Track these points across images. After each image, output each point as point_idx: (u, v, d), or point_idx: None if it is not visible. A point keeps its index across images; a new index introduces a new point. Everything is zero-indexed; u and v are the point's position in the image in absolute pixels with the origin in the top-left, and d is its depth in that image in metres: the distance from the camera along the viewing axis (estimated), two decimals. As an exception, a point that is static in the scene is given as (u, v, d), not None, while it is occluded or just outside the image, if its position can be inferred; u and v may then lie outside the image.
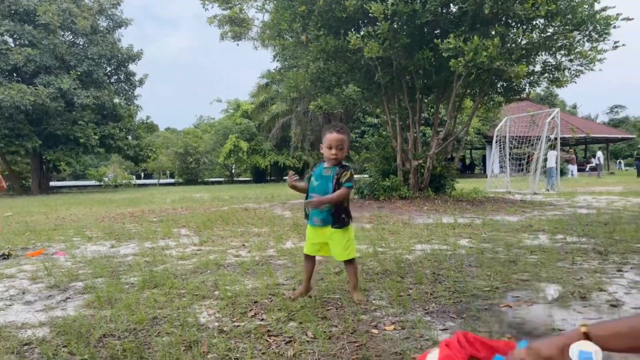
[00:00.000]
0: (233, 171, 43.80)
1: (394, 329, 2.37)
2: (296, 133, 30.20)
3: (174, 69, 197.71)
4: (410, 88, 10.52)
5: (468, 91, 10.87)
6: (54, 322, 2.57)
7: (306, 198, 2.87)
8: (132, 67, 27.76)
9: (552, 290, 2.89)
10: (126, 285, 3.40)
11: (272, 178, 39.69)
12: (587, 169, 32.17)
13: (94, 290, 3.14)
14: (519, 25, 8.79)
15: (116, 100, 26.44)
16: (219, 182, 39.81)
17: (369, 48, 8.25)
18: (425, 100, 11.57)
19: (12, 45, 22.97)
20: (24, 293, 3.32)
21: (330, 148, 2.80)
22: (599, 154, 27.56)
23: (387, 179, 10.70)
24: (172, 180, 46.42)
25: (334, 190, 2.80)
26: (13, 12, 22.54)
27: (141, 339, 2.28)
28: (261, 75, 33.49)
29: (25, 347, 2.22)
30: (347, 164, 2.88)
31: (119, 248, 5.25)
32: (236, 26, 22.36)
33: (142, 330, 2.40)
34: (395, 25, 8.62)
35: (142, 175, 57.14)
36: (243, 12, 21.68)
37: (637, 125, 53.59)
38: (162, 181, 46.86)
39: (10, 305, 3.02)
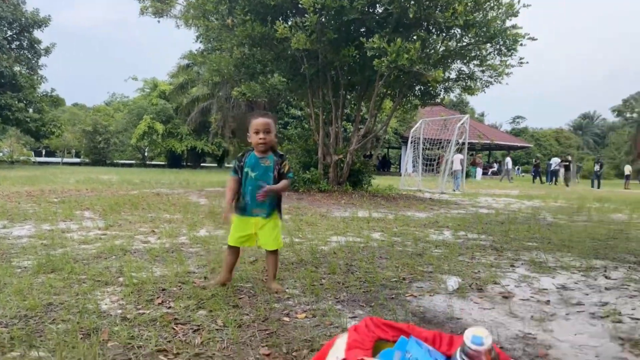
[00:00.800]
0: (146, 154, 41.62)
1: (306, 317, 2.40)
2: (216, 119, 29.33)
3: (86, 41, 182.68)
4: (335, 83, 10.68)
5: (388, 91, 11.27)
6: None
7: (244, 193, 2.78)
8: (37, 33, 25.26)
9: (452, 282, 3.09)
10: (18, 269, 3.09)
11: (189, 164, 38.31)
12: (489, 173, 34.92)
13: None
14: (438, 32, 9.28)
15: (16, 69, 23.94)
16: (130, 165, 37.62)
17: (296, 39, 8.24)
18: (349, 97, 11.83)
19: None
20: None
21: (257, 133, 2.75)
22: (508, 159, 29.80)
23: (307, 172, 10.80)
24: (77, 160, 43.02)
25: (274, 180, 2.78)
26: None
27: (33, 326, 2.09)
28: (182, 55, 32.01)
29: None
30: (282, 153, 2.88)
31: (11, 229, 4.77)
32: (158, 2, 21.19)
33: (34, 317, 2.20)
34: (323, 19, 8.68)
35: (44, 153, 52.39)
36: (166, -13, 20.61)
37: (535, 136, 59.22)
38: (66, 160, 43.30)
39: None
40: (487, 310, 2.64)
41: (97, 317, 2.23)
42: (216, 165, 41.96)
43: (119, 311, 2.35)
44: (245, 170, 2.80)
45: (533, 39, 9.22)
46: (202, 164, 39.99)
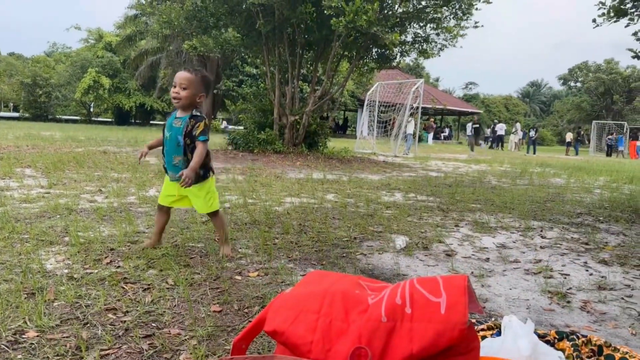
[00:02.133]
0: (91, 110, 39.53)
1: (258, 275, 2.44)
2: (166, 73, 28.09)
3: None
4: (292, 42, 10.45)
5: (346, 53, 11.18)
6: None
7: (163, 151, 2.66)
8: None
9: (400, 241, 3.22)
10: (-49, 229, 2.93)
11: (137, 121, 36.84)
12: (441, 138, 35.85)
13: None
14: (396, -7, 9.21)
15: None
16: (74, 121, 35.70)
17: (252, -7, 7.93)
18: (305, 56, 11.63)
19: None
20: None
21: (174, 86, 2.53)
22: (518, 125, 29.99)
23: (262, 132, 10.68)
24: (15, 115, 40.30)
25: (185, 144, 2.55)
26: None
27: (-30, 287, 2.00)
28: (130, 5, 30.08)
29: None
30: (199, 114, 2.61)
31: (-59, 187, 4.47)
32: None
33: (-29, 279, 2.11)
34: (280, -27, 8.39)
35: (-24, 105, 48.64)
36: None
37: (485, 102, 60.96)
38: (2, 114, 40.42)
39: None
40: (431, 267, 2.78)
41: (42, 277, 2.17)
42: (164, 122, 40.57)
43: (65, 271, 2.29)
44: (164, 131, 2.64)
45: (488, 2, 9.35)
46: (151, 122, 38.53)
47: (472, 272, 2.70)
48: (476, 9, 9.18)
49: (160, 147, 2.73)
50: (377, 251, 3.06)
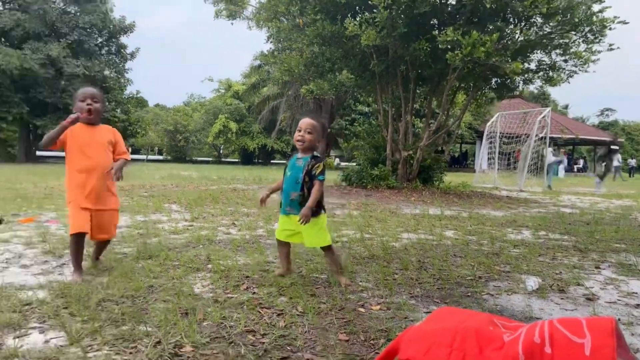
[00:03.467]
0: (221, 151, 43.59)
1: (380, 309, 2.49)
2: (285, 117, 30.09)
3: (165, 45, 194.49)
4: (405, 78, 10.58)
5: (462, 85, 10.98)
6: (52, 286, 2.63)
7: (282, 191, 2.93)
8: (123, 39, 27.31)
9: (532, 282, 3.02)
10: (120, 255, 3.46)
11: (260, 161, 39.59)
12: (574, 170, 32.70)
13: (89, 258, 3.19)
14: (516, 22, 8.89)
15: (106, 72, 26.07)
16: (207, 162, 39.61)
17: (366, 36, 8.28)
18: (418, 91, 11.67)
19: (1, 8, 22.41)
20: (19, 257, 3.36)
21: (299, 130, 2.83)
22: (617, 155, 27.14)
23: (375, 168, 10.81)
24: (160, 157, 46.05)
25: (304, 182, 2.80)
26: (4, -26, 21.97)
27: (139, 304, 2.36)
28: (254, 56, 33.16)
29: (26, 307, 2.28)
30: (319, 155, 2.91)
31: (109, 220, 5.28)
32: (231, 4, 22.09)
33: (139, 297, 2.48)
34: (393, 14, 8.65)
35: (130, 151, 56.46)
36: (239, -10, 21.41)
37: (626, 129, 54.44)
38: (150, 157, 46.46)
39: (6, 267, 3.07)
40: (569, 312, 2.56)
41: (192, 299, 2.47)
42: (285, 162, 42.97)
43: (210, 294, 2.58)
44: (286, 169, 2.93)
45: (624, 22, 8.55)
46: (272, 161, 41.17)
47: (619, 319, 2.43)
48: (610, 28, 8.45)
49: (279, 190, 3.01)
50: (506, 292, 2.91)
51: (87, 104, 2.88)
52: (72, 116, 2.78)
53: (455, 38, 7.74)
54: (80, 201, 2.85)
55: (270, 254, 3.72)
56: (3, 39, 22.63)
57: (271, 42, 21.84)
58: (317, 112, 26.78)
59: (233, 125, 33.88)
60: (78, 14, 24.35)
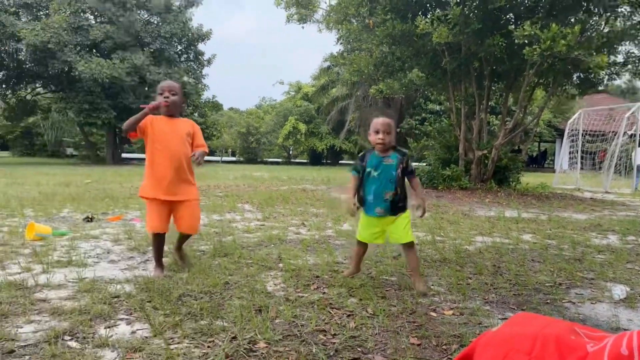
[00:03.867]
0: (290, 152, 44.50)
1: (453, 313, 2.43)
2: (354, 117, 30.13)
3: (238, 50, 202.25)
4: (478, 75, 10.20)
5: (541, 81, 10.38)
6: (137, 280, 2.85)
7: (366, 192, 2.87)
8: (200, 46, 28.73)
9: (618, 290, 2.80)
10: (198, 253, 3.67)
11: (328, 161, 39.92)
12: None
13: (170, 254, 3.41)
14: (601, 12, 8.25)
15: (185, 79, 27.54)
16: (277, 163, 40.63)
17: (438, 33, 8.08)
18: (493, 88, 11.18)
19: (93, 22, 24.45)
20: (108, 253, 3.67)
21: (377, 132, 2.83)
22: None
23: (447, 169, 10.51)
24: (234, 159, 47.91)
25: (397, 178, 2.83)
26: (95, -10, 23.96)
27: (216, 300, 2.49)
28: (324, 58, 33.54)
29: (115, 300, 2.49)
30: (405, 150, 2.93)
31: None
32: (302, 8, 22.51)
33: (215, 293, 2.61)
34: (466, 10, 8.37)
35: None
36: (310, -6, 21.75)
37: None
38: (224, 159, 48.50)
39: (97, 262, 3.37)
40: (665, 325, 2.35)
41: (265, 297, 2.56)
42: (352, 162, 43.03)
43: (282, 293, 2.66)
44: (368, 170, 2.87)
45: None
46: (339, 162, 41.36)
47: None
48: None
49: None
50: (589, 300, 2.72)
51: (165, 97, 2.93)
52: (154, 103, 2.87)
53: (533, 32, 7.34)
54: (157, 193, 2.90)
55: (339, 254, 3.75)
56: (94, 50, 24.69)
57: (341, 43, 22.01)
58: (387, 111, 26.53)
59: (302, 127, 34.49)
60: (160, 24, 25.98)
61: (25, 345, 1.91)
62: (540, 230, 5.35)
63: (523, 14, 8.51)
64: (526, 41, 7.56)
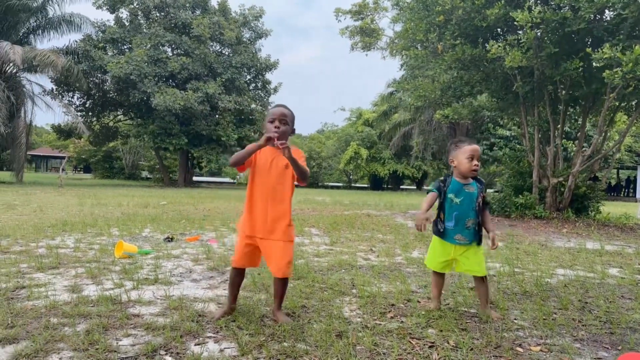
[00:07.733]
0: (351, 177, 44.59)
1: (541, 350, 2.31)
2: (418, 142, 29.79)
3: (302, 77, 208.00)
4: (553, 99, 9.79)
5: (622, 104, 9.77)
6: (219, 300, 2.97)
7: (438, 216, 2.82)
8: (268, 75, 29.89)
9: None
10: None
11: (389, 186, 39.53)
12: None
13: (249, 275, 3.52)
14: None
15: (253, 106, 28.68)
16: (338, 187, 40.82)
17: (510, 57, 7.89)
18: (569, 113, 10.65)
19: (170, 54, 26.26)
20: (190, 272, 3.85)
21: (472, 159, 2.75)
22: None
23: (520, 196, 10.06)
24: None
25: (478, 208, 2.79)
26: (173, 25, 25.80)
27: (296, 323, 2.54)
28: (387, 84, 33.72)
29: (201, 318, 2.61)
30: (482, 180, 2.87)
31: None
32: (366, 37, 22.86)
33: (294, 316, 2.66)
34: (540, 34, 8.12)
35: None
36: (374, 22, 22.08)
37: None
38: (285, 182, 49.39)
39: (181, 281, 3.55)
40: None
41: (343, 322, 2.57)
42: (415, 187, 42.35)
43: (359, 319, 2.66)
44: (449, 196, 2.79)
45: None
46: (401, 187, 40.83)
47: None
48: None
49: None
50: (697, 344, 2.48)
51: (275, 126, 2.55)
52: (267, 135, 2.47)
53: (613, 55, 6.97)
54: (245, 229, 2.60)
55: (412, 282, 3.70)
56: (171, 80, 26.42)
57: (404, 69, 22.06)
58: (452, 136, 25.99)
59: (364, 152, 34.59)
60: (231, 55, 27.41)
61: (126, 358, 2.05)
62: (627, 264, 4.97)
63: (602, 36, 8.11)
64: (606, 64, 7.19)
